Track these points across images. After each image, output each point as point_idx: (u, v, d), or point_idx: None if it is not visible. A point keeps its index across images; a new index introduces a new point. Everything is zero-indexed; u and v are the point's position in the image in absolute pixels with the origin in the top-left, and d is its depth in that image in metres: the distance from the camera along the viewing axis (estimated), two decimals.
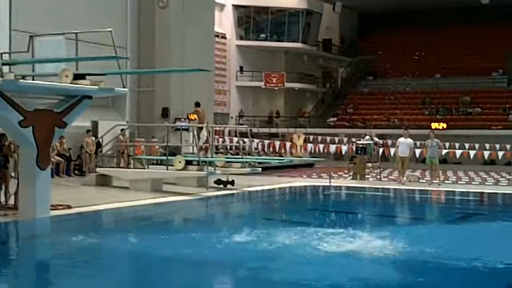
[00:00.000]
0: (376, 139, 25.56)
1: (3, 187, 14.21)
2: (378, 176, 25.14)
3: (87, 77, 13.50)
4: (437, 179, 23.01)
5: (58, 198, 14.53)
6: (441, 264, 9.12)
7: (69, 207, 14.34)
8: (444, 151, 27.19)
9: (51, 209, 13.45)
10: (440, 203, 19.49)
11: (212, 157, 20.59)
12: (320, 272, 8.52)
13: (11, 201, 14.14)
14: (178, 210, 16.01)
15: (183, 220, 14.92)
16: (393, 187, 21.87)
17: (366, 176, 24.95)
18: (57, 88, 13.11)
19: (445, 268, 9.01)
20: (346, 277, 8.26)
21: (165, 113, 28.01)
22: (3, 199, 14.22)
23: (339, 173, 27.47)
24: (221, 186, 19.97)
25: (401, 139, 23.08)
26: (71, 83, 13.04)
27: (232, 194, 19.00)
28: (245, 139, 25.01)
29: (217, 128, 25.27)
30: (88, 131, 23.76)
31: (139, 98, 28.26)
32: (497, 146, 30.09)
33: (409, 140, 22.90)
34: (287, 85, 44.55)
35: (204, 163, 19.45)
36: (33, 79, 13.13)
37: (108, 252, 10.10)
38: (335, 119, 44.11)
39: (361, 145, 24.61)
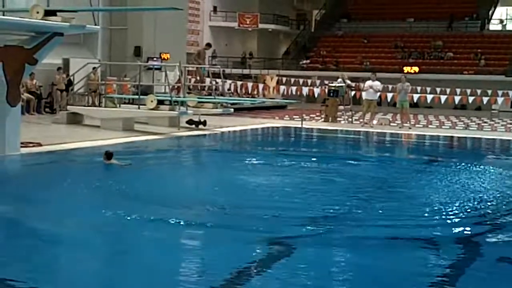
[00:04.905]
0: (349, 82, 25.65)
1: None
2: (350, 119, 25.32)
3: (58, 13, 13.29)
4: (408, 122, 23.28)
5: (29, 136, 14.48)
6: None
7: (39, 144, 14.30)
8: (415, 95, 27.45)
9: (22, 147, 13.42)
10: (409, 146, 19.77)
11: (184, 97, 20.56)
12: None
13: None
14: (149, 149, 16.04)
15: (152, 158, 14.99)
16: (364, 130, 22.08)
17: (338, 119, 25.14)
18: (28, 24, 12.91)
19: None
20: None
21: (137, 52, 27.74)
22: None
23: (311, 115, 27.62)
24: (193, 126, 20.01)
25: (369, 82, 23.24)
26: (42, 19, 12.85)
27: (204, 134, 19.05)
28: (218, 80, 24.95)
29: (190, 68, 25.09)
30: (59, 68, 23.51)
31: (111, 36, 27.89)
32: (468, 91, 30.38)
33: (377, 83, 23.05)
34: (261, 26, 44.24)
35: (176, 103, 19.42)
36: (3, 15, 12.91)
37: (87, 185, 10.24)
38: (308, 61, 44.04)
39: (333, 88, 24.69)
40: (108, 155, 11.98)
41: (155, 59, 27.25)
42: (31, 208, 8.70)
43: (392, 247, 7.27)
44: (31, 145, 14.03)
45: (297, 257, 6.75)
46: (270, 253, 6.88)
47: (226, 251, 6.86)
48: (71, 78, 22.22)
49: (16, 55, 12.94)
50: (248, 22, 43.73)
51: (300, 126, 22.20)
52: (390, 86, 29.04)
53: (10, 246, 6.94)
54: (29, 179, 11.19)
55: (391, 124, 24.86)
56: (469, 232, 8.03)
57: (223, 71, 26.20)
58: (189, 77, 25.45)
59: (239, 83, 32.80)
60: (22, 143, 13.49)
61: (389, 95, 26.94)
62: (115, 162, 11.93)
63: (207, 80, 24.54)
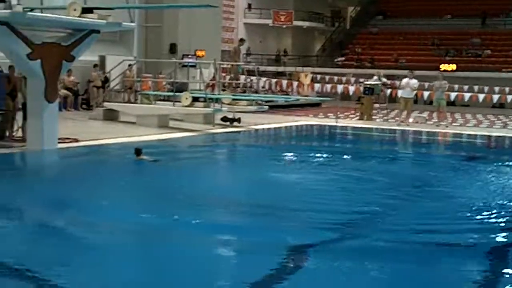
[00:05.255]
0: (384, 80, 25.45)
1: (11, 119, 14.31)
2: (385, 117, 25.10)
3: (95, 11, 13.42)
4: (445, 121, 23.01)
5: (66, 132, 14.62)
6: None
7: (76, 140, 14.44)
8: (452, 94, 27.09)
9: (59, 142, 13.56)
10: (446, 144, 19.53)
11: (219, 94, 20.59)
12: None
13: (19, 133, 14.28)
14: (183, 145, 16.10)
15: (186, 155, 15.04)
16: (400, 128, 21.87)
17: (373, 117, 24.95)
18: (65, 21, 13.06)
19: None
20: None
21: (172, 49, 27.85)
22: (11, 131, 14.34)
23: (346, 113, 27.45)
24: (227, 123, 20.03)
25: (405, 80, 22.99)
26: (79, 16, 12.97)
27: (239, 131, 19.06)
28: (252, 77, 24.93)
29: (224, 66, 25.12)
30: (95, 65, 23.72)
31: (147, 34, 28.05)
32: (507, 89, 29.90)
33: (413, 81, 22.78)
34: (296, 23, 44.09)
35: (210, 100, 19.45)
36: (41, 12, 13.05)
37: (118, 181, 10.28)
38: (343, 58, 43.78)
39: (368, 86, 24.50)
40: (137, 151, 12.06)
41: (190, 56, 27.31)
42: (65, 204, 8.77)
43: (429, 253, 6.92)
44: (68, 140, 14.18)
45: (330, 259, 6.57)
46: (301, 256, 6.73)
47: (257, 252, 6.73)
48: (107, 75, 22.41)
49: (54, 52, 13.06)
50: (282, 19, 43.61)
51: (334, 124, 22.07)
52: (426, 84, 28.70)
53: (44, 243, 6.99)
54: (64, 174, 11.30)
55: (428, 122, 24.60)
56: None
57: (258, 68, 26.16)
58: (224, 74, 25.49)
59: (273, 80, 32.72)
60: (59, 138, 13.63)
61: (426, 93, 26.63)
62: (145, 158, 12.00)
63: (242, 77, 24.53)
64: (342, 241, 7.35)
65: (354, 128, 21.89)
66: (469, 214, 8.69)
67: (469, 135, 20.74)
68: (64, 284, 5.56)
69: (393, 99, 26.72)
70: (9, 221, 7.76)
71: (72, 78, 22.74)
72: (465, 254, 6.93)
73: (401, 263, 6.54)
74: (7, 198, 8.79)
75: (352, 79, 33.51)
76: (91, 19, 13.19)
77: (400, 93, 23.46)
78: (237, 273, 6.25)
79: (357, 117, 25.38)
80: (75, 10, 12.95)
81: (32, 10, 12.69)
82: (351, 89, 29.27)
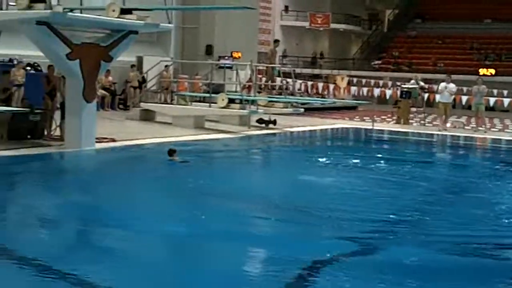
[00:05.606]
0: (422, 84, 25.19)
1: (49, 118, 14.50)
2: (422, 122, 24.85)
3: (133, 12, 13.52)
4: (483, 126, 22.68)
5: (103, 131, 14.76)
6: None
7: (113, 140, 14.57)
8: (491, 99, 26.65)
9: (96, 142, 13.69)
10: (484, 150, 19.26)
11: (255, 96, 20.59)
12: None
13: (56, 132, 14.46)
14: (219, 147, 16.15)
15: (221, 156, 15.08)
16: (437, 132, 21.62)
17: (410, 121, 24.71)
18: (104, 22, 13.20)
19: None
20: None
21: (209, 50, 27.96)
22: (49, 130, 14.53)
23: (382, 116, 27.25)
24: (263, 125, 20.02)
25: (443, 84, 22.71)
26: (117, 17, 13.09)
27: (274, 133, 19.03)
28: (288, 79, 24.89)
29: (260, 68, 25.14)
30: (132, 66, 23.92)
31: (183, 35, 28.21)
32: None
33: (451, 85, 22.49)
34: (333, 26, 43.89)
35: (246, 102, 19.47)
36: (81, 13, 13.20)
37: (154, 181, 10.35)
38: (380, 62, 43.48)
39: (406, 89, 24.28)
40: (170, 151, 12.12)
41: (226, 57, 27.39)
42: (103, 202, 8.86)
43: (472, 268, 6.59)
44: (105, 140, 14.31)
45: (360, 263, 6.49)
46: (332, 259, 6.58)
47: (289, 254, 6.65)
48: (144, 75, 22.57)
49: (93, 52, 13.20)
50: (319, 22, 43.46)
51: (371, 127, 21.91)
52: (465, 89, 28.37)
53: (78, 244, 7.05)
54: (100, 174, 11.42)
55: (466, 127, 24.28)
56: None
57: (294, 70, 26.09)
58: (260, 76, 25.49)
59: (309, 83, 32.64)
60: (97, 138, 13.77)
61: (464, 98, 26.30)
62: (176, 158, 12.05)
63: (278, 79, 24.50)
64: (373, 251, 7.12)
65: (390, 132, 21.70)
66: (508, 220, 8.55)
67: (508, 140, 20.39)
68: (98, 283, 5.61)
69: (430, 103, 26.42)
70: (44, 221, 7.82)
71: (109, 78, 22.96)
72: (504, 263, 6.72)
73: (440, 281, 6.12)
74: (43, 198, 8.90)
75: (389, 83, 33.27)
76: (129, 20, 13.31)
77: (438, 97, 23.19)
78: (259, 279, 6.14)
79: (394, 121, 25.16)
80: (114, 11, 13.09)
81: (71, 10, 12.84)
82: (388, 92, 29.06)
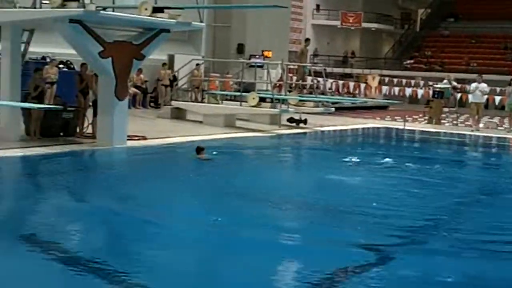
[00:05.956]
0: (455, 84, 24.92)
1: (81, 116, 14.62)
2: (455, 122, 24.60)
3: (165, 10, 13.58)
4: None
5: (134, 129, 14.84)
6: None
7: (144, 138, 14.64)
8: None
9: (128, 140, 13.77)
10: None
11: (285, 95, 20.56)
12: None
13: (89, 130, 14.58)
14: (249, 145, 16.16)
15: (251, 155, 15.09)
16: (470, 133, 21.37)
17: (442, 121, 24.48)
18: (137, 20, 13.27)
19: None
20: None
21: (240, 49, 27.99)
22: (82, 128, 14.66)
23: (414, 116, 27.04)
24: (294, 124, 19.98)
25: (474, 84, 22.45)
26: (150, 16, 13.16)
27: (304, 133, 18.99)
28: (319, 79, 24.81)
29: (291, 67, 25.08)
30: (164, 64, 24.03)
31: (215, 34, 28.29)
32: None
33: (483, 85, 22.21)
34: (364, 25, 43.68)
35: (277, 101, 19.44)
36: (113, 11, 13.29)
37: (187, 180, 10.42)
38: (412, 61, 43.14)
39: (438, 89, 24.06)
40: (198, 149, 12.16)
41: (257, 56, 27.40)
42: (133, 200, 8.89)
43: (497, 267, 6.48)
44: (136, 138, 14.39)
45: (390, 267, 6.38)
46: (361, 262, 6.44)
47: (317, 256, 6.61)
48: (176, 74, 22.68)
49: (125, 50, 13.27)
50: (351, 21, 43.28)
51: (402, 127, 21.75)
52: (498, 89, 28.02)
53: (115, 240, 7.09)
54: (131, 171, 11.50)
55: (499, 128, 23.98)
56: None
57: (325, 69, 26.02)
58: (291, 75, 25.46)
59: (340, 82, 32.52)
60: (128, 136, 13.85)
61: (497, 98, 25.98)
62: (203, 156, 12.08)
63: (309, 78, 24.45)
64: (400, 246, 7.08)
65: (422, 132, 21.51)
66: None
67: None
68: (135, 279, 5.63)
69: (463, 103, 26.15)
70: (80, 218, 7.87)
71: (141, 76, 23.10)
72: None
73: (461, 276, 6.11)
74: (77, 195, 8.97)
75: (421, 82, 33.00)
76: (161, 18, 13.36)
77: (470, 98, 22.94)
78: (295, 278, 6.10)
79: (426, 121, 24.96)
80: (146, 9, 13.15)
81: (104, 9, 12.94)
82: (420, 92, 28.82)
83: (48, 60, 19.16)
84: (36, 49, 17.40)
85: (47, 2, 12.59)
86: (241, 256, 6.57)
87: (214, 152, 12.24)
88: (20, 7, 13.54)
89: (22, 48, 14.37)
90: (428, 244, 7.27)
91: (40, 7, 12.99)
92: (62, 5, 12.08)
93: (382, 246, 6.97)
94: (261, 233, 7.35)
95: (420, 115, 27.16)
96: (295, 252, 6.95)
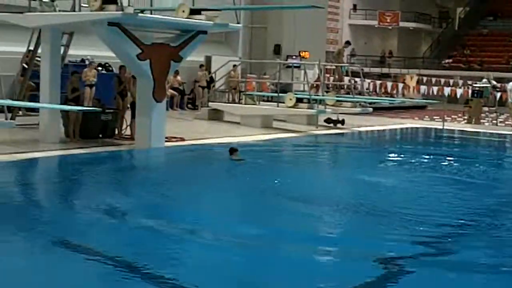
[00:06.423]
0: (494, 83, 24.56)
1: (120, 117, 14.76)
2: (494, 121, 24.24)
3: (202, 12, 13.63)
4: None
5: (172, 130, 14.94)
6: None
7: (182, 139, 14.73)
8: None
9: (166, 141, 13.87)
10: None
11: (323, 95, 20.50)
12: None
13: (127, 131, 14.71)
14: (286, 146, 16.17)
15: (288, 156, 15.06)
16: (510, 132, 21.03)
17: (482, 121, 24.16)
18: (174, 22, 13.34)
19: None
20: None
21: (277, 50, 27.99)
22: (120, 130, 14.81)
23: (453, 116, 26.73)
24: (331, 125, 19.90)
25: (511, 84, 22.11)
26: (187, 18, 13.22)
27: (342, 133, 18.90)
28: (357, 79, 24.69)
29: (328, 67, 25.00)
30: (201, 65, 24.14)
31: (251, 35, 28.33)
32: None
33: None
34: (402, 24, 43.36)
35: (314, 102, 19.39)
36: (151, 14, 13.38)
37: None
38: (450, 60, 42.67)
39: (477, 88, 23.75)
40: (231, 150, 12.19)
41: (294, 57, 27.37)
42: (172, 202, 8.95)
43: None
44: (174, 139, 14.49)
45: (427, 272, 6.21)
46: (397, 267, 6.32)
47: (350, 260, 6.53)
48: (213, 75, 22.76)
49: (163, 52, 13.37)
50: (388, 20, 43.00)
51: (441, 127, 21.51)
52: None
53: (149, 242, 7.12)
54: (169, 173, 11.56)
55: None
56: None
57: (362, 70, 25.86)
58: (328, 75, 25.37)
59: (378, 82, 32.30)
60: (166, 137, 13.94)
61: None
62: (236, 157, 12.11)
63: (346, 79, 24.34)
64: (437, 251, 6.90)
65: (461, 131, 21.24)
66: None
67: None
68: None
69: (502, 102, 25.75)
70: (116, 219, 7.92)
71: (178, 78, 23.23)
72: None
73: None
74: (116, 196, 9.04)
75: (460, 81, 32.63)
76: (199, 20, 13.42)
77: (509, 97, 22.58)
78: (329, 280, 6.04)
79: (465, 121, 24.66)
80: (183, 11, 13.21)
81: (142, 11, 13.03)
82: (459, 91, 28.49)
83: (87, 62, 19.39)
84: (75, 52, 17.61)
85: (86, 5, 12.74)
86: (279, 261, 6.55)
87: (241, 158, 12.19)
88: (59, 11, 13.74)
89: (62, 51, 14.58)
90: (460, 253, 6.99)
91: (79, 10, 13.16)
92: (101, 8, 12.20)
93: (413, 251, 6.83)
94: (297, 234, 7.36)
95: (459, 115, 26.85)
96: (331, 254, 6.86)
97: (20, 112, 15.78)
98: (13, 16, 13.88)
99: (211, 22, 13.60)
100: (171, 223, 7.76)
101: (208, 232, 7.39)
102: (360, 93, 24.66)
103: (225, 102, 21.14)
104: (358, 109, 21.26)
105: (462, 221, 8.18)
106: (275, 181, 10.39)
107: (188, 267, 6.11)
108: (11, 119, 12.77)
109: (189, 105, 24.38)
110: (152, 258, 6.23)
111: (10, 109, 13.33)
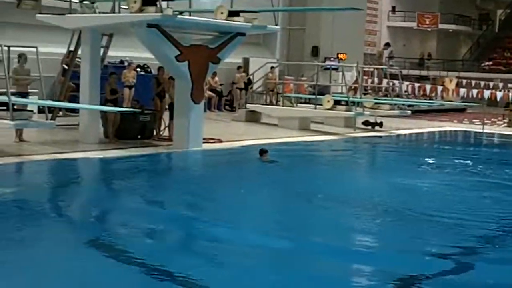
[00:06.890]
0: None
1: (158, 119, 14.86)
2: None
3: (241, 14, 13.66)
4: None
5: (210, 132, 14.99)
6: None
7: (220, 141, 14.77)
8: None
9: (203, 142, 13.91)
10: None
11: (361, 97, 20.38)
12: None
13: (165, 132, 14.80)
14: (323, 148, 16.10)
15: (325, 158, 14.99)
16: None
17: None
18: (213, 24, 13.38)
19: None
20: None
21: (314, 52, 27.91)
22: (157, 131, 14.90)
23: (493, 119, 26.34)
24: (369, 127, 19.77)
25: None
26: (225, 19, 13.26)
27: (380, 136, 18.75)
28: (395, 81, 24.49)
29: (366, 69, 24.82)
30: (239, 67, 24.18)
31: (289, 37, 28.30)
32: None
33: None
34: (441, 26, 42.84)
35: (352, 104, 19.28)
36: (189, 15, 13.46)
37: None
38: (490, 63, 42.06)
39: None
40: (261, 152, 12.19)
41: (332, 59, 27.25)
42: (208, 204, 8.99)
43: None
44: (212, 141, 14.53)
45: (468, 276, 6.18)
46: (436, 270, 6.24)
47: (387, 266, 6.44)
48: (251, 77, 22.79)
49: (201, 54, 13.42)
50: (427, 22, 42.53)
51: (480, 130, 21.22)
52: None
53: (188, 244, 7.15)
54: (206, 175, 11.57)
55: None
56: None
57: (401, 72, 25.63)
58: (366, 77, 25.21)
59: (416, 84, 31.96)
60: (204, 139, 13.99)
61: None
62: (266, 158, 12.09)
63: (384, 81, 24.15)
64: (477, 255, 6.87)
65: (501, 135, 20.93)
66: None
67: None
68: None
69: None
70: (155, 221, 7.92)
71: (216, 79, 23.30)
72: None
73: None
74: (153, 197, 9.10)
75: (500, 84, 32.16)
76: (237, 22, 13.45)
77: None
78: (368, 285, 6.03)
79: (505, 124, 24.30)
80: (222, 13, 13.27)
81: (181, 13, 13.11)
82: (499, 94, 28.08)
83: (126, 64, 19.56)
84: (115, 53, 17.79)
85: (126, 7, 12.86)
86: (313, 262, 6.50)
87: (272, 159, 12.15)
88: (99, 12, 13.90)
89: (101, 52, 14.73)
90: (500, 258, 6.94)
91: (119, 12, 13.29)
92: (140, 10, 12.30)
93: (452, 255, 6.76)
94: (333, 236, 7.38)
95: (499, 118, 26.45)
96: (366, 257, 6.82)
97: (60, 113, 15.99)
98: (54, 18, 14.09)
99: (250, 24, 13.62)
100: (205, 225, 7.78)
101: (242, 235, 7.37)
102: (398, 96, 24.46)
103: (262, 104, 21.13)
104: (396, 112, 21.10)
105: (500, 227, 8.06)
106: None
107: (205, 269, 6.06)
108: (51, 119, 12.98)
109: (227, 107, 24.44)
110: (182, 264, 6.17)
111: (51, 109, 13.53)
